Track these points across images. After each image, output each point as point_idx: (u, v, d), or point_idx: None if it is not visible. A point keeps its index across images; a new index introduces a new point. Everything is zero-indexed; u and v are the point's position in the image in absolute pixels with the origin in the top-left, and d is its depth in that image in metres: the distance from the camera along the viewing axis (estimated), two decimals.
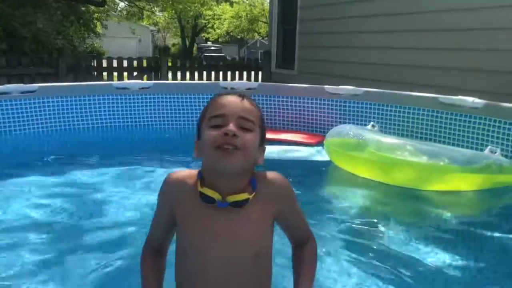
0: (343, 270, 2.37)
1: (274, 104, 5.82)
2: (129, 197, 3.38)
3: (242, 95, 1.33)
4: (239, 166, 1.25)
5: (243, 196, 1.26)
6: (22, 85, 5.48)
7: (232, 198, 1.26)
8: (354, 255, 2.53)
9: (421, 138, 4.87)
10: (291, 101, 5.76)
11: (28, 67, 9.06)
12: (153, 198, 3.30)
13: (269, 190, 1.31)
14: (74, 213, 3.02)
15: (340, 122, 5.22)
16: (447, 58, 6.61)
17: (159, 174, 3.90)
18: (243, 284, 1.29)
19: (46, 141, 5.18)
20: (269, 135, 5.40)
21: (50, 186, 3.54)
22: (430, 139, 4.79)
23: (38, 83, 6.03)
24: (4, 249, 2.45)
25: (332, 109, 5.55)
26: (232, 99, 1.31)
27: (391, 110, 5.16)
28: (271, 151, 4.74)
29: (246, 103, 1.31)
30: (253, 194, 1.28)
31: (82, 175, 3.83)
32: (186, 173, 1.39)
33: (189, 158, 4.44)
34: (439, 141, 4.72)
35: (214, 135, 1.25)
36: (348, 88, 5.48)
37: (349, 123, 5.21)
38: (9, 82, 7.59)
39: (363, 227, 2.98)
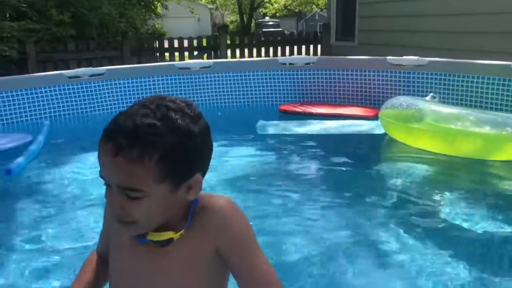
0: (407, 245, 2.35)
1: (334, 78, 5.74)
2: None
3: (118, 146, 0.90)
4: (144, 231, 1.01)
5: (166, 235, 1.01)
6: (91, 68, 5.78)
7: (152, 237, 1.02)
8: (418, 230, 2.50)
9: (490, 108, 4.63)
10: (351, 74, 5.65)
11: (95, 51, 9.50)
12: (212, 176, 3.44)
13: (206, 223, 1.02)
14: None
15: (403, 94, 5.07)
16: None
17: (221, 153, 4.01)
18: None
19: None
20: (327, 110, 5.38)
21: None
22: (501, 109, 4.55)
23: (105, 66, 6.33)
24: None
25: (394, 81, 5.39)
26: (105, 155, 0.92)
27: (458, 80, 4.93)
28: (329, 126, 4.71)
29: (122, 162, 0.90)
30: (180, 232, 1.01)
31: None
32: None
33: (250, 135, 4.52)
34: (511, 111, 4.47)
35: (107, 204, 1.00)
36: (412, 58, 5.28)
37: (412, 95, 5.04)
38: (79, 66, 8.02)
39: (427, 200, 2.93)
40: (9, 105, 5.05)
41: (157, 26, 15.75)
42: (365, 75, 5.58)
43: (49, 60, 8.96)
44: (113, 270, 1.12)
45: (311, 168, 3.66)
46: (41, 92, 5.21)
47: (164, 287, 1.04)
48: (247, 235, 1.05)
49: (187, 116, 0.97)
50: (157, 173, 0.92)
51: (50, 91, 5.25)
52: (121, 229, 0.99)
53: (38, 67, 8.61)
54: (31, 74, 6.68)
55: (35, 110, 5.18)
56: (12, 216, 2.81)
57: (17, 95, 5.10)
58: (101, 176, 0.95)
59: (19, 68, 8.48)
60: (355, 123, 4.78)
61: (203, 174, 1.04)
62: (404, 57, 5.35)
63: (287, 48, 10.81)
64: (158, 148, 0.91)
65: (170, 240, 1.01)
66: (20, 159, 3.57)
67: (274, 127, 4.75)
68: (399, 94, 5.08)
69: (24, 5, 9.21)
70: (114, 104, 5.56)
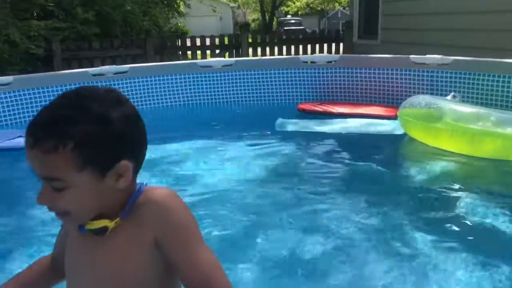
0: (426, 245, 2.33)
1: (356, 77, 5.70)
2: (214, 169, 3.55)
3: (35, 138, 0.92)
4: (80, 222, 1.01)
5: (99, 223, 0.99)
6: (115, 66, 5.88)
7: (88, 225, 1.00)
8: (437, 230, 2.48)
9: None
10: (373, 73, 5.61)
11: (119, 49, 9.65)
12: (234, 171, 3.47)
13: (144, 214, 0.99)
14: (165, 183, 3.24)
15: (425, 94, 5.00)
16: None
17: (239, 150, 4.04)
18: None
19: None
20: (348, 109, 5.35)
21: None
22: None
23: (128, 64, 6.43)
24: None
25: (417, 80, 5.32)
26: (27, 148, 0.93)
27: (482, 79, 4.84)
28: (349, 125, 4.69)
29: (38, 153, 0.91)
30: (115, 221, 0.99)
31: (170, 149, 4.07)
32: None
33: (269, 133, 4.54)
34: None
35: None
36: (436, 57, 5.21)
37: (436, 94, 4.98)
38: (103, 64, 8.16)
39: (446, 200, 2.89)
40: (35, 102, 5.17)
41: (179, 24, 15.88)
42: (387, 74, 5.52)
43: (74, 58, 9.14)
44: (65, 264, 1.11)
45: (330, 166, 3.65)
46: (66, 90, 5.31)
47: (103, 278, 1.02)
48: (187, 227, 1.01)
49: (104, 102, 0.96)
50: (75, 161, 0.92)
51: (75, 88, 5.34)
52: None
53: (64, 65, 8.79)
54: (56, 72, 6.83)
55: None
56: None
57: (43, 92, 5.22)
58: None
59: (45, 66, 8.67)
60: (376, 123, 4.74)
61: (136, 162, 1.01)
62: (427, 55, 5.28)
63: (309, 46, 10.77)
64: (72, 137, 0.91)
65: (105, 229, 1.00)
66: None
67: (293, 125, 4.75)
68: (422, 93, 5.02)
69: (51, 4, 9.41)
70: (137, 101, 5.63)
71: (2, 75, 5.88)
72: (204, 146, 4.20)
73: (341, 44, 10.96)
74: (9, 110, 5.03)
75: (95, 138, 0.93)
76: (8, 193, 3.26)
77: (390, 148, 4.24)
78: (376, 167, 3.56)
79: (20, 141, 4.24)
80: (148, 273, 1.01)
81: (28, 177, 3.35)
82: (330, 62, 5.83)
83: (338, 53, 10.66)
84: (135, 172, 1.02)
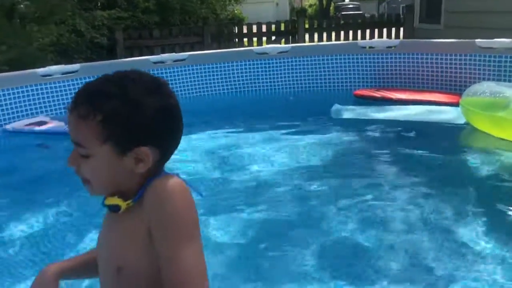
0: (488, 237, 2.24)
1: (417, 63, 5.50)
2: (269, 156, 3.58)
3: (73, 104, 1.00)
4: (99, 193, 1.06)
5: (114, 200, 1.03)
6: (174, 54, 6.03)
7: (106, 201, 1.06)
8: (501, 223, 2.37)
9: None
10: (435, 59, 5.39)
11: (177, 37, 9.87)
12: (288, 158, 3.48)
13: (146, 200, 1.00)
14: (219, 168, 3.31)
15: (492, 80, 4.75)
16: None
17: (294, 137, 4.04)
18: None
19: (195, 106, 5.65)
20: (408, 96, 5.19)
21: (199, 145, 3.89)
22: None
23: (187, 51, 6.57)
24: None
25: (483, 65, 5.06)
26: (67, 114, 1.02)
27: None
28: (408, 112, 4.55)
29: (72, 118, 0.99)
30: (127, 202, 1.02)
31: (226, 136, 4.14)
32: None
33: (324, 119, 4.50)
34: None
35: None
36: (504, 41, 4.92)
37: (503, 80, 4.71)
38: (162, 52, 8.38)
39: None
40: None
41: (236, 11, 15.96)
42: (450, 60, 5.29)
43: (135, 46, 9.45)
44: None
45: (387, 155, 3.57)
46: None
47: (113, 255, 1.06)
48: (180, 222, 0.96)
49: (143, 88, 1.00)
50: (99, 133, 0.97)
51: (129, 69, 5.53)
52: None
53: (126, 53, 9.12)
54: (119, 60, 7.10)
55: None
56: None
57: None
58: None
59: (109, 54, 9.04)
60: (437, 110, 4.56)
61: (162, 152, 1.03)
62: (495, 39, 5.00)
63: (368, 31, 10.51)
64: (103, 110, 0.96)
65: (117, 207, 1.03)
66: None
67: (349, 112, 4.68)
68: (488, 80, 4.77)
69: None
70: (195, 88, 5.76)
71: (69, 63, 6.20)
72: (259, 133, 4.23)
73: (401, 29, 10.59)
74: None
75: (121, 118, 0.97)
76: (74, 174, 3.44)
77: (452, 138, 4.07)
78: (436, 157, 3.44)
79: None
80: (143, 263, 1.01)
81: None
82: (390, 47, 5.67)
83: (398, 38, 10.31)
84: (161, 161, 1.04)
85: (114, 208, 1.04)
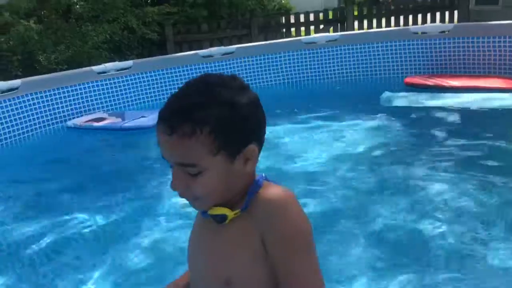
0: None
1: (473, 47, 5.27)
2: (320, 146, 3.57)
3: (171, 125, 0.95)
4: (209, 206, 1.03)
5: (220, 210, 1.01)
6: (222, 47, 6.10)
7: (211, 211, 1.03)
8: None
9: None
10: (493, 42, 5.14)
11: (225, 30, 9.94)
12: (340, 147, 3.44)
13: (258, 211, 0.99)
14: (271, 158, 3.33)
15: None
16: None
17: (344, 126, 4.00)
18: None
19: None
20: (463, 82, 5.00)
21: None
22: None
23: (234, 44, 6.62)
24: None
25: None
26: (162, 136, 0.97)
27: None
28: (465, 100, 4.38)
29: (177, 139, 0.94)
30: (235, 212, 1.01)
31: (277, 127, 4.16)
32: None
33: (374, 107, 4.42)
34: None
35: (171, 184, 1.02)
36: None
37: None
38: (211, 46, 8.49)
39: None
40: (153, 84, 5.58)
41: (283, 2, 15.86)
42: (510, 42, 5.02)
43: (184, 41, 9.62)
44: (188, 247, 1.15)
45: (443, 144, 3.47)
46: (178, 72, 5.66)
47: (216, 265, 1.04)
48: (297, 235, 0.97)
49: (229, 88, 0.99)
50: (211, 145, 0.95)
51: (186, 70, 5.67)
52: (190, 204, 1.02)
53: (175, 48, 9.31)
54: (170, 55, 7.27)
55: (172, 88, 5.65)
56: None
57: (159, 74, 5.61)
58: (163, 157, 0.99)
59: (159, 50, 9.25)
60: (496, 97, 4.36)
61: (259, 146, 1.03)
62: None
63: (420, 16, 10.14)
64: (207, 121, 0.94)
65: (224, 217, 1.01)
66: None
67: (401, 100, 4.57)
68: None
69: None
70: (244, 80, 5.80)
71: (122, 60, 6.42)
72: (309, 123, 4.23)
73: (456, 12, 10.14)
74: (130, 92, 5.49)
75: (227, 123, 0.96)
76: (133, 170, 3.58)
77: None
78: (496, 145, 3.30)
79: (143, 121, 4.66)
80: (254, 274, 1.00)
81: (152, 154, 3.67)
82: (443, 32, 5.46)
83: (452, 22, 9.89)
84: (259, 155, 1.04)
85: (221, 218, 1.02)
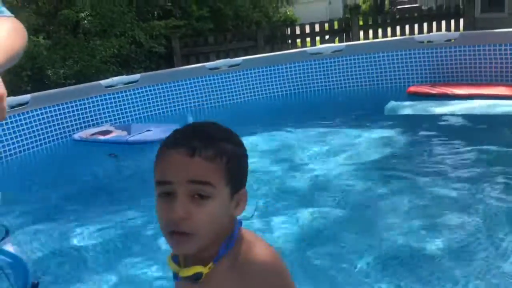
0: None
1: (479, 55, 5.26)
2: (325, 156, 3.57)
3: (194, 147, 0.96)
4: (197, 249, 0.99)
5: (194, 269, 0.99)
6: (229, 59, 6.14)
7: (182, 273, 1.01)
8: None
9: None
10: (499, 50, 5.13)
11: (231, 42, 10.02)
12: (345, 157, 3.43)
13: (247, 270, 0.99)
14: (276, 169, 3.34)
15: None
16: None
17: (349, 136, 4.00)
18: None
19: (250, 109, 5.71)
20: (468, 91, 4.97)
21: (256, 147, 3.93)
22: None
23: (241, 56, 6.67)
24: None
25: None
26: (178, 158, 0.96)
27: None
28: (471, 107, 4.36)
29: (198, 160, 0.95)
30: (209, 266, 0.99)
31: (282, 137, 4.18)
32: None
33: (379, 115, 4.41)
34: None
35: (164, 219, 0.97)
36: None
37: None
38: (217, 58, 8.55)
39: None
40: (160, 97, 5.62)
41: (288, 13, 15.96)
42: None
43: (191, 54, 9.70)
44: None
45: (447, 152, 3.44)
46: (185, 84, 5.70)
47: None
48: None
49: (235, 133, 1.05)
50: (225, 174, 0.97)
51: (193, 82, 5.71)
52: (174, 246, 0.98)
53: (183, 61, 9.39)
54: (177, 68, 7.33)
55: (179, 101, 5.69)
56: None
57: (166, 87, 5.65)
58: (162, 182, 0.97)
59: (167, 63, 9.34)
60: (502, 103, 4.34)
61: None
62: None
63: (425, 25, 10.15)
64: (226, 152, 0.97)
65: (199, 275, 0.99)
66: None
67: (407, 109, 4.56)
68: None
69: (170, 4, 10.07)
70: (250, 92, 5.83)
71: (130, 73, 6.49)
72: (314, 133, 4.23)
73: (461, 20, 10.14)
74: (137, 105, 5.54)
75: (238, 161, 1.01)
76: (138, 184, 3.59)
77: None
78: (503, 153, 3.27)
79: (148, 135, 4.67)
80: None
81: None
82: (449, 40, 5.46)
83: (458, 30, 9.89)
84: None
85: (195, 277, 1.00)
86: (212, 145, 0.97)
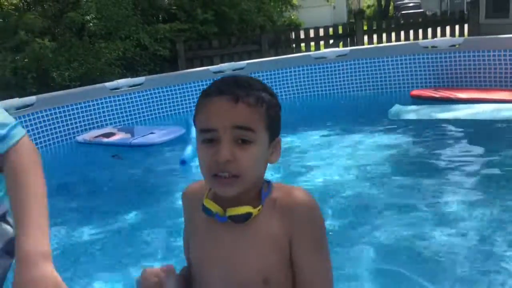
0: None
1: (483, 60, 5.27)
2: (329, 160, 3.57)
3: (237, 95, 1.00)
4: (240, 191, 1.02)
5: (244, 209, 1.02)
6: (233, 63, 6.16)
7: (230, 211, 1.03)
8: None
9: None
10: (504, 55, 5.13)
11: (236, 46, 10.05)
12: (349, 161, 3.44)
13: (287, 211, 1.03)
14: (280, 173, 3.34)
15: None
16: None
17: (353, 140, 4.00)
18: None
19: None
20: (471, 95, 4.97)
21: None
22: None
23: (245, 60, 6.69)
24: None
25: None
26: (222, 105, 1.00)
27: None
28: (474, 111, 4.36)
29: (242, 106, 1.00)
30: (258, 208, 1.03)
31: (285, 141, 4.17)
32: (199, 184, 1.16)
33: (383, 120, 4.42)
34: None
35: (207, 162, 1.01)
36: None
37: None
38: (222, 61, 8.56)
39: None
40: (164, 100, 5.64)
41: (293, 17, 15.99)
42: None
43: (196, 57, 9.74)
44: (195, 258, 1.13)
45: (451, 156, 3.44)
46: (189, 87, 5.73)
47: (244, 270, 1.04)
48: (323, 236, 1.06)
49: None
50: (265, 120, 1.03)
51: (198, 85, 5.73)
52: (218, 188, 1.02)
53: (187, 64, 9.42)
54: (181, 71, 7.36)
55: (184, 104, 5.71)
56: None
57: (171, 90, 5.68)
58: (206, 130, 1.01)
59: (171, 66, 9.37)
60: (506, 107, 4.33)
61: None
62: None
63: (429, 30, 10.16)
64: (265, 100, 1.04)
65: (248, 215, 1.03)
66: (190, 150, 3.68)
67: (411, 113, 4.55)
68: None
69: (174, 8, 10.12)
70: None
71: (134, 76, 6.52)
72: (318, 136, 4.24)
73: (466, 26, 10.15)
74: (142, 108, 5.56)
75: (276, 108, 1.08)
76: (141, 186, 3.59)
77: None
78: (509, 157, 3.27)
79: (152, 137, 4.69)
80: (284, 273, 1.04)
81: (160, 171, 3.69)
82: (453, 45, 5.46)
83: (463, 36, 9.89)
84: None
85: (245, 217, 1.03)
86: (253, 93, 1.03)
